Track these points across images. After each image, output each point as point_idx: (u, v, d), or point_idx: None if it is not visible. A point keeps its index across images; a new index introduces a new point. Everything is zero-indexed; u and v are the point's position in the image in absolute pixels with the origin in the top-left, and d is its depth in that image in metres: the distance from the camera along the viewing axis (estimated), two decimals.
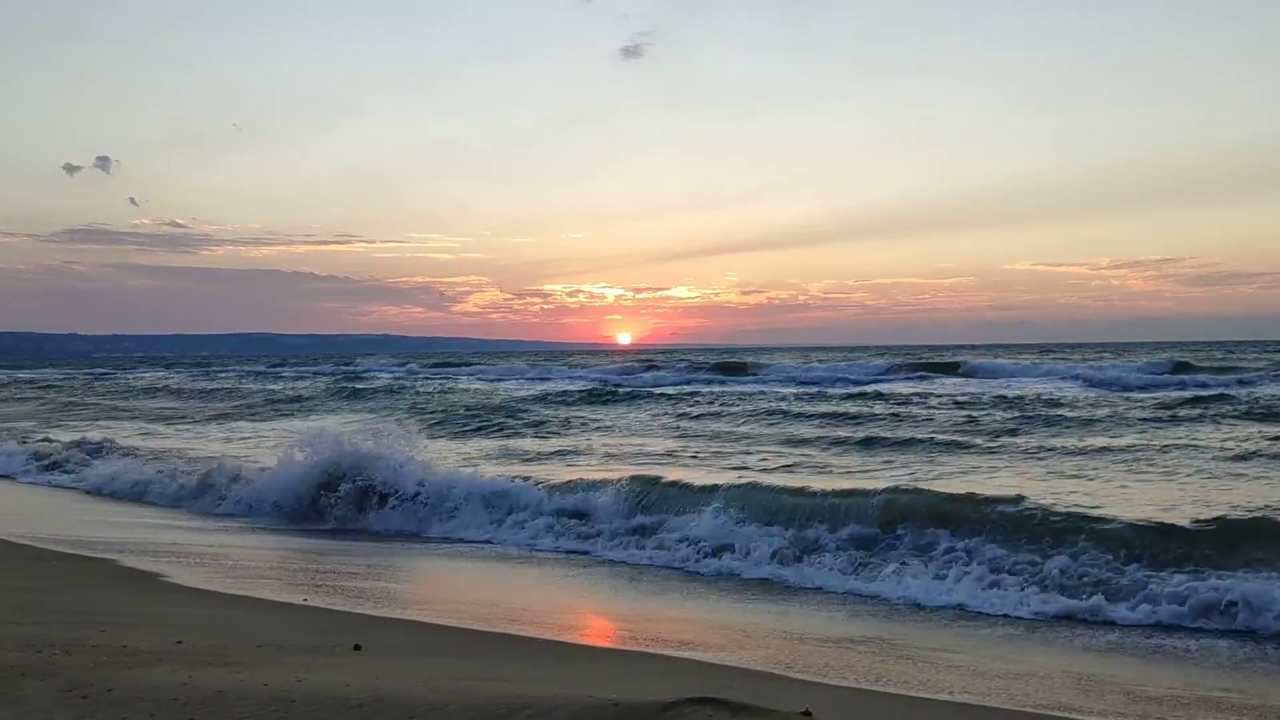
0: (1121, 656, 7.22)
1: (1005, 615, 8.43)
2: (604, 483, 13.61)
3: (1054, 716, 5.59)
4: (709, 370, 52.05)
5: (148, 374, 72.37)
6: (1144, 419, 22.08)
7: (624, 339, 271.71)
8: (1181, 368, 40.32)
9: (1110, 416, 22.77)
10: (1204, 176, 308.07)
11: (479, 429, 24.66)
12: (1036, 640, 7.75)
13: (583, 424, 25.66)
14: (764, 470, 15.97)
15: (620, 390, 36.99)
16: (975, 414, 24.22)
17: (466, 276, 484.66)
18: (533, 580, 10.45)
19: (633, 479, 13.55)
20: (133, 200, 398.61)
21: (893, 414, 25.04)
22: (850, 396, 31.43)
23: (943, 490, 11.97)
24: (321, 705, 4.67)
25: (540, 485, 13.91)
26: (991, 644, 7.61)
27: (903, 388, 35.90)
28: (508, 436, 23.17)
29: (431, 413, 29.05)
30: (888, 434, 20.45)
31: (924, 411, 25.55)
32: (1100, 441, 18.13)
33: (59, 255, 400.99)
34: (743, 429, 23.83)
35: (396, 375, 59.12)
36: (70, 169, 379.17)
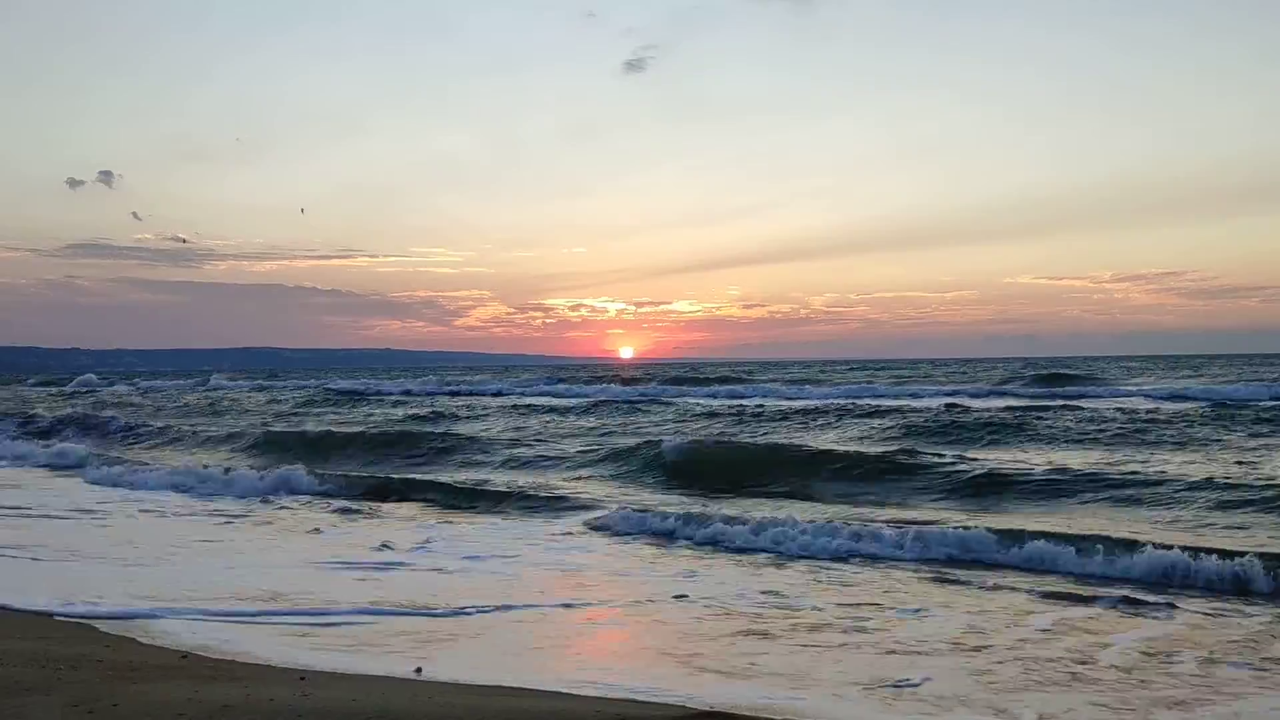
0: None
1: None
2: None
3: None
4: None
5: None
6: None
7: (626, 353, 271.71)
8: None
9: None
10: (1205, 190, 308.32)
11: None
12: None
13: None
14: None
15: None
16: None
17: (469, 290, 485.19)
18: None
19: None
20: (135, 215, 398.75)
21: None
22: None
23: None
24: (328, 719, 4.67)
25: None
26: None
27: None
28: None
29: None
30: None
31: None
32: None
33: (61, 270, 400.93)
34: None
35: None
36: (73, 183, 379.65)
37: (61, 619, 7.28)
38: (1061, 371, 56.04)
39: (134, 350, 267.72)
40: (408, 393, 51.61)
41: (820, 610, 7.97)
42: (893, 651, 6.69)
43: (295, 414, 37.56)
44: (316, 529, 12.64)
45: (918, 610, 7.91)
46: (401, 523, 13.27)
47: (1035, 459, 17.45)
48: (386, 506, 14.88)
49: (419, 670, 6.06)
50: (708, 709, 5.26)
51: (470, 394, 50.70)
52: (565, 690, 5.66)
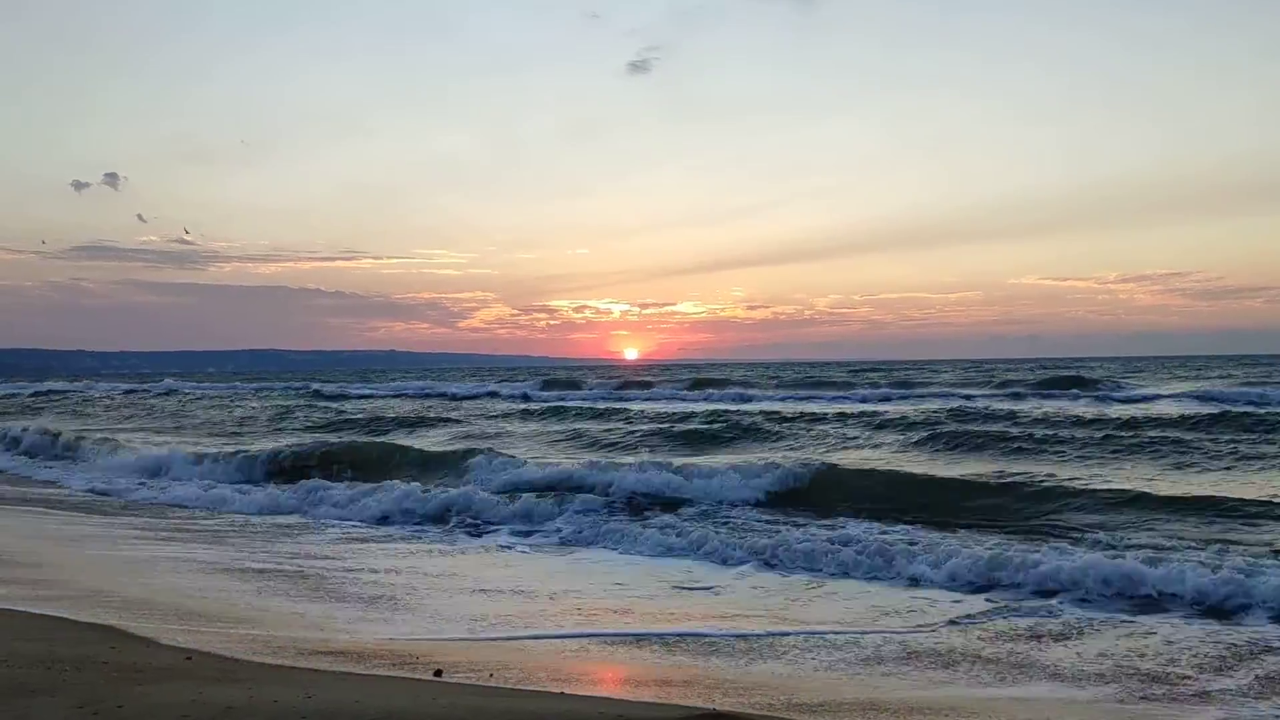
0: None
1: None
2: None
3: None
4: None
5: None
6: None
7: (631, 354, 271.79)
8: None
9: None
10: (1211, 190, 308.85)
11: None
12: None
13: None
14: None
15: None
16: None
17: (473, 292, 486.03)
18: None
19: None
20: (140, 217, 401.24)
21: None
22: None
23: None
24: None
25: None
26: None
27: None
28: None
29: None
30: None
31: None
32: None
33: (67, 272, 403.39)
34: None
35: None
36: (78, 185, 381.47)
37: (72, 620, 7.30)
38: (1064, 374, 55.87)
39: (139, 352, 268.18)
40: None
41: None
42: None
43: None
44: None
45: None
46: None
47: None
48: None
49: (438, 673, 6.05)
50: (711, 710, 5.26)
51: (433, 397, 51.79)
52: (569, 692, 5.67)
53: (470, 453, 19.51)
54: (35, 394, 64.17)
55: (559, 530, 13.36)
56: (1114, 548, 10.53)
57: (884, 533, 11.97)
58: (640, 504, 14.91)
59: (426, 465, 19.34)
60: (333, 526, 14.27)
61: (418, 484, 16.50)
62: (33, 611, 7.54)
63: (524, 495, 15.22)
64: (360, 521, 14.66)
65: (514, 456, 19.69)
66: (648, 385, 54.85)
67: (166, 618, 7.69)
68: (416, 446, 22.75)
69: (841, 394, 43.35)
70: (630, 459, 20.60)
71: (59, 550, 11.41)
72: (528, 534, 13.41)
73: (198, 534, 13.42)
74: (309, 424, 34.45)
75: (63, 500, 17.15)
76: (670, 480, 15.90)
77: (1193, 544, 10.71)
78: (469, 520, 14.37)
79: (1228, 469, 17.10)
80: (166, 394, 61.49)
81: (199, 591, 9.11)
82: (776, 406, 35.58)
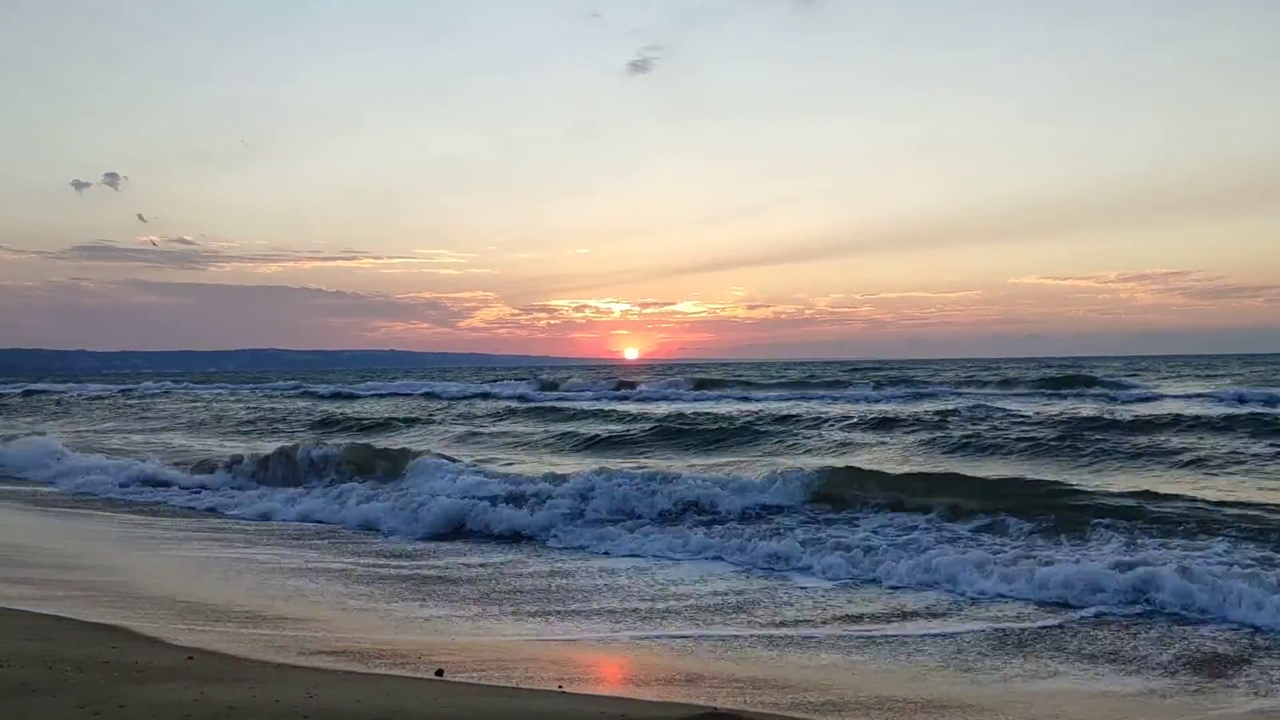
0: None
1: None
2: None
3: None
4: None
5: None
6: None
7: (631, 354, 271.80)
8: None
9: None
10: (1212, 190, 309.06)
11: None
12: None
13: None
14: None
15: None
16: None
17: (473, 292, 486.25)
18: None
19: None
20: (141, 217, 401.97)
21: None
22: None
23: None
24: None
25: None
26: None
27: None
28: None
29: None
30: None
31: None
32: None
33: (68, 272, 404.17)
34: None
35: None
36: (79, 186, 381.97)
37: (72, 620, 7.30)
38: (1070, 373, 55.73)
39: (140, 352, 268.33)
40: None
41: None
42: None
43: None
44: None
45: None
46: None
47: None
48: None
49: (440, 673, 6.05)
50: (712, 709, 5.26)
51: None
52: (571, 691, 5.67)
53: (463, 457, 19.47)
54: (26, 393, 64.71)
55: (579, 535, 13.23)
56: (1144, 547, 10.53)
57: (908, 532, 11.94)
58: (653, 507, 14.73)
59: (424, 467, 19.27)
60: (370, 532, 13.98)
61: (436, 488, 16.52)
62: (35, 611, 7.55)
63: (528, 499, 15.10)
64: (390, 532, 14.24)
65: (513, 459, 19.52)
66: (648, 385, 54.79)
67: (169, 617, 7.69)
68: (414, 448, 22.74)
69: (845, 394, 43.04)
70: (633, 460, 20.58)
71: (59, 549, 11.41)
72: (547, 538, 13.31)
73: (198, 533, 13.43)
74: (307, 423, 34.50)
75: (53, 500, 17.13)
76: (681, 483, 15.77)
77: (1221, 539, 10.69)
78: (484, 526, 14.16)
79: (1241, 468, 17.12)
80: (161, 394, 61.91)
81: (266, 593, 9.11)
82: (779, 406, 35.52)
